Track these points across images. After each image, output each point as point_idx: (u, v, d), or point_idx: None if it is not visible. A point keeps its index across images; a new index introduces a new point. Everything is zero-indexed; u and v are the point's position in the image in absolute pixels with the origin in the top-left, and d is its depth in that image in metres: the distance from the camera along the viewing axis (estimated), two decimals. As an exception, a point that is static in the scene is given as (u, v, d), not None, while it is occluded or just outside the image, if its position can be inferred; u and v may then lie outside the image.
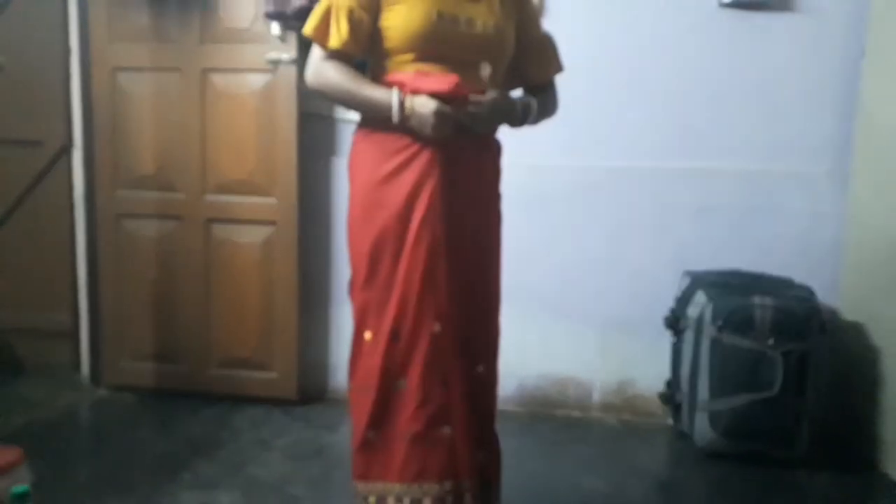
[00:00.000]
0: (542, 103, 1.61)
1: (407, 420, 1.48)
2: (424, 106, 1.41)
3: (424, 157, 1.46)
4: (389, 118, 1.44)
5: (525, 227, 2.56)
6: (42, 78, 2.82)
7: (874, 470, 2.27)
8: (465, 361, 1.50)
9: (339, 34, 1.46)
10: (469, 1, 1.49)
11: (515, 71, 1.61)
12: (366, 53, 1.52)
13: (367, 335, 1.53)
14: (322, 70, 1.50)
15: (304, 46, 2.42)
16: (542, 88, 1.65)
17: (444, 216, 1.46)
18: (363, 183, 1.54)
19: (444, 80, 1.44)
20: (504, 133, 1.63)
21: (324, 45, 1.49)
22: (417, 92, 1.43)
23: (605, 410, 2.67)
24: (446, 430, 1.48)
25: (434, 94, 1.42)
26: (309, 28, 1.49)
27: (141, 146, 2.69)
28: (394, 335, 1.48)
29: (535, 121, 1.61)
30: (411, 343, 1.48)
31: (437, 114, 1.40)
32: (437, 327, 1.47)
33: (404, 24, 1.45)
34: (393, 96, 1.44)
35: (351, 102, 1.53)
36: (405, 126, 1.45)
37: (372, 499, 1.52)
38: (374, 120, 1.51)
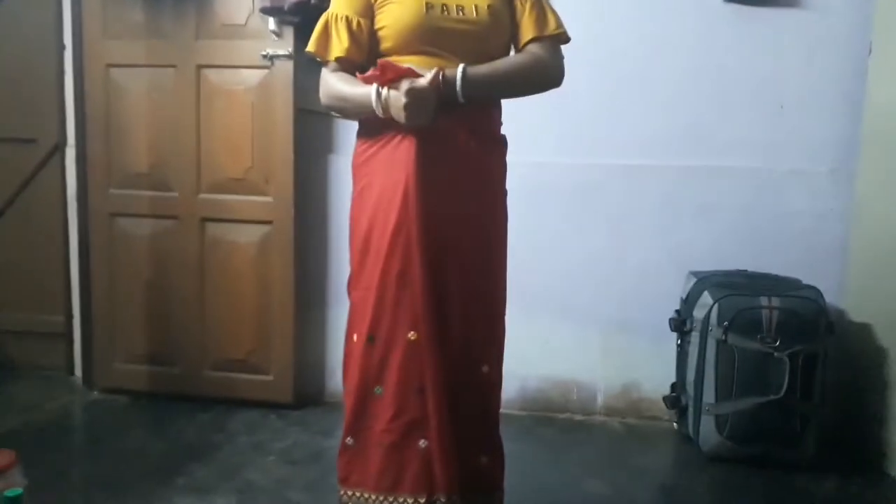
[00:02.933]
0: (507, 65, 1.50)
1: (382, 430, 1.47)
2: (398, 97, 1.37)
3: (402, 153, 1.43)
4: (378, 116, 1.42)
5: (527, 226, 2.48)
6: (35, 75, 2.80)
7: (882, 473, 2.24)
8: (452, 368, 1.46)
9: (340, 43, 1.47)
10: None
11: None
12: (370, 57, 1.50)
13: (355, 337, 1.52)
14: (326, 82, 1.51)
15: (301, 42, 2.40)
16: (523, 51, 1.55)
17: (423, 218, 1.42)
18: (356, 183, 1.55)
19: (375, 71, 1.40)
20: (506, 130, 1.60)
21: (326, 57, 1.50)
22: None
23: (609, 414, 2.63)
24: (422, 444, 1.46)
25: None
26: (311, 45, 1.51)
27: (135, 144, 2.66)
28: (370, 339, 1.47)
29: (503, 88, 1.51)
30: (386, 349, 1.46)
31: (408, 103, 1.35)
32: (412, 335, 1.44)
33: (396, 22, 1.45)
34: (371, 89, 1.41)
35: (349, 108, 1.51)
36: (390, 120, 1.42)
37: None
38: (369, 122, 1.50)
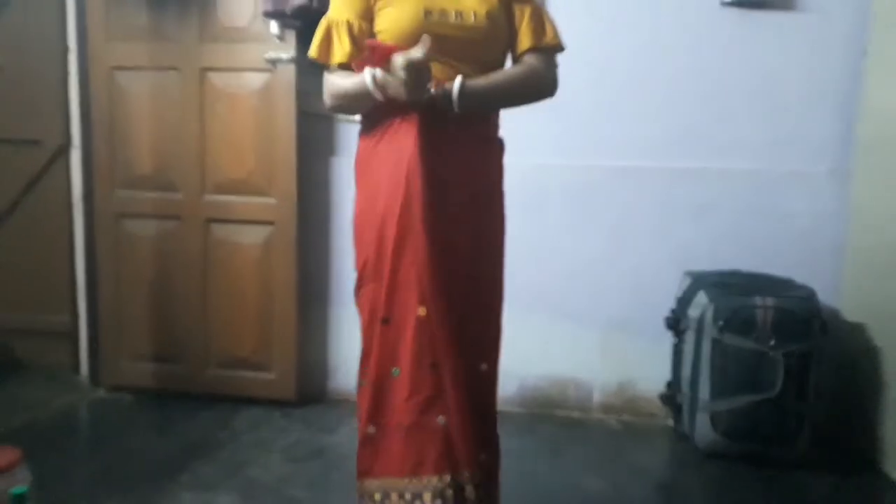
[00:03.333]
0: (504, 78, 1.52)
1: (400, 411, 1.47)
2: (395, 74, 1.35)
3: (402, 136, 1.44)
4: (379, 104, 1.43)
5: (525, 227, 2.54)
6: (40, 77, 2.81)
7: (875, 471, 2.26)
8: (463, 352, 1.47)
9: (342, 49, 1.47)
10: None
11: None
12: None
13: (377, 328, 1.51)
14: (329, 84, 1.52)
15: (303, 45, 2.42)
16: (520, 61, 1.56)
17: (426, 194, 1.42)
18: (362, 176, 1.55)
19: (365, 55, 1.41)
20: (504, 131, 1.61)
21: (329, 62, 1.50)
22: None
23: (606, 411, 2.66)
24: (440, 420, 1.45)
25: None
26: (313, 50, 1.51)
27: (139, 146, 2.68)
28: (385, 321, 1.47)
29: (499, 100, 1.53)
30: (400, 328, 1.46)
31: (407, 80, 1.33)
32: (421, 311, 1.44)
33: (393, 26, 1.45)
34: (366, 74, 1.41)
35: (351, 100, 1.51)
36: (389, 103, 1.42)
37: (378, 496, 1.49)
38: (370, 116, 1.51)
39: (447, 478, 1.45)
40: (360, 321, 1.56)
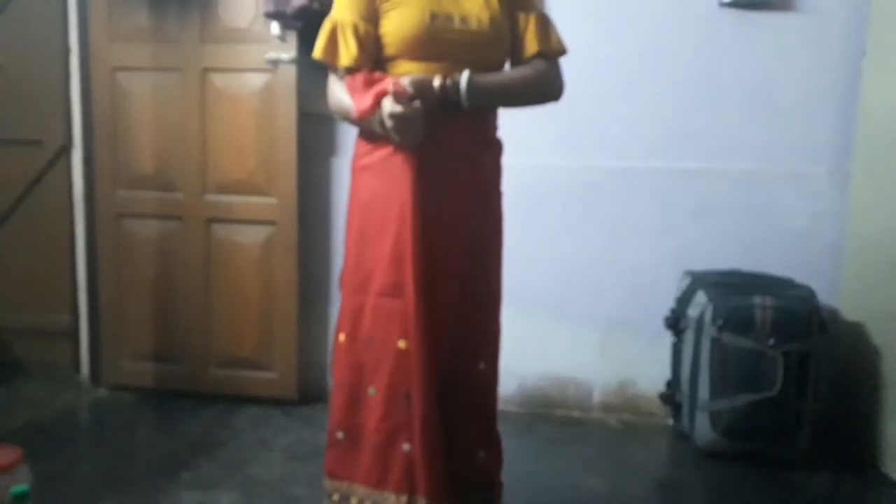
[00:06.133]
0: (512, 77, 1.54)
1: (371, 430, 1.51)
2: (382, 117, 1.38)
3: (397, 167, 1.45)
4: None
5: (525, 228, 2.56)
6: (42, 77, 2.81)
7: (874, 470, 2.27)
8: (446, 370, 1.48)
9: (348, 52, 1.47)
10: None
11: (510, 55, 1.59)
12: (376, 62, 1.51)
13: (341, 337, 1.56)
14: (333, 93, 1.53)
15: (304, 46, 2.43)
16: (525, 64, 1.57)
17: (418, 238, 1.44)
18: (354, 187, 1.57)
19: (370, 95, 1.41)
20: (504, 131, 1.62)
21: (335, 65, 1.50)
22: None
23: (606, 410, 2.66)
24: (405, 447, 1.49)
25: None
26: (318, 51, 1.50)
27: (141, 146, 2.69)
28: (366, 342, 1.50)
29: (505, 98, 1.54)
30: (380, 355, 1.49)
31: (394, 125, 1.37)
32: (402, 344, 1.46)
33: (398, 29, 1.46)
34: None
35: (354, 121, 1.53)
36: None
37: (336, 496, 1.56)
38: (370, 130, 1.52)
39: (404, 499, 1.49)
40: (339, 310, 1.59)
